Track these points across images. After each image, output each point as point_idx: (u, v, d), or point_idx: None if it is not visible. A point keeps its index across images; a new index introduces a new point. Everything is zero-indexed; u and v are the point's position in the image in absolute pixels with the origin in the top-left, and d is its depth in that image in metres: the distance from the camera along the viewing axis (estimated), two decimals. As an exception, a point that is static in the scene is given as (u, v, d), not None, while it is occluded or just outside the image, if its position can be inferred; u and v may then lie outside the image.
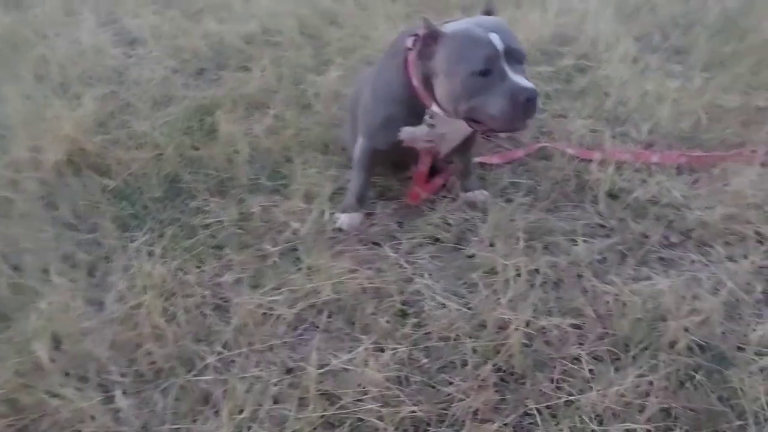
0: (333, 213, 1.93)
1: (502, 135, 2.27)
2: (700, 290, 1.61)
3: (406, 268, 1.75)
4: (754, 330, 1.50)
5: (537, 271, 1.69)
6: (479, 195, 2.00)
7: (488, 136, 2.26)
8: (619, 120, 2.40)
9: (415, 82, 1.70)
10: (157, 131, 2.32)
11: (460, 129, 1.78)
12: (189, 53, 2.93)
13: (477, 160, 2.13)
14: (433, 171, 2.05)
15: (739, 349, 1.47)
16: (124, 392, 1.39)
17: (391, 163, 2.08)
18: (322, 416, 1.32)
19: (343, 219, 1.91)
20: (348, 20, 3.19)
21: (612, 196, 2.00)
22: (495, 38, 1.54)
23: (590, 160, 2.12)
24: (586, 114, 2.41)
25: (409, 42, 1.70)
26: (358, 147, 1.91)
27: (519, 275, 1.65)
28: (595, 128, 2.34)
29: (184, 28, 3.20)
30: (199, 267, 1.76)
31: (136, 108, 2.49)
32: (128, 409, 1.35)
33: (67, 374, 1.43)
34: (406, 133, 1.79)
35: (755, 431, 1.26)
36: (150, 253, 1.78)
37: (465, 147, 1.96)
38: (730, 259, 1.74)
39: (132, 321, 1.55)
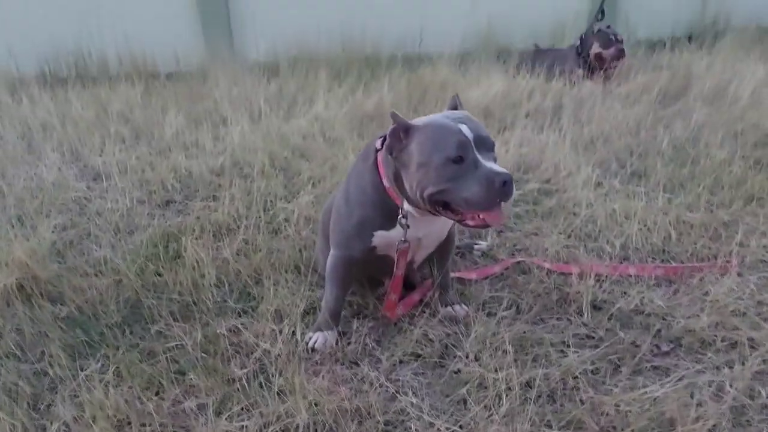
0: (306, 332, 1.81)
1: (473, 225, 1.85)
2: (701, 397, 1.52)
3: (388, 386, 1.61)
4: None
5: (529, 384, 1.57)
6: (459, 309, 1.92)
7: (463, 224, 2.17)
8: (591, 237, 2.40)
9: (386, 182, 1.68)
10: (119, 257, 2.22)
11: (435, 232, 1.75)
12: (156, 185, 2.90)
13: (454, 275, 2.07)
14: (409, 287, 1.98)
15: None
16: None
17: (366, 277, 2.00)
18: None
19: (317, 338, 1.79)
20: (317, 153, 3.25)
21: (595, 307, 1.94)
22: (464, 128, 1.56)
23: (569, 274, 2.09)
24: (557, 231, 2.42)
25: (378, 143, 1.70)
26: (330, 258, 1.83)
27: (510, 388, 1.53)
28: (569, 244, 2.33)
29: (151, 162, 3.20)
30: (158, 394, 1.59)
31: (97, 237, 2.40)
32: None
33: None
34: (380, 237, 1.74)
35: None
36: (102, 381, 1.60)
37: (440, 255, 1.91)
38: (727, 365, 1.66)
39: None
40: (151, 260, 2.20)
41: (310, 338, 1.79)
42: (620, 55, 4.69)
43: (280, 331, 1.81)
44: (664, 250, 2.29)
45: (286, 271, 2.14)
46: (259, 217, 2.53)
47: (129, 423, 1.46)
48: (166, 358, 1.71)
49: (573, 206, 2.66)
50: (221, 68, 4.98)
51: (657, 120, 3.75)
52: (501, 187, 1.50)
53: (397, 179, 1.65)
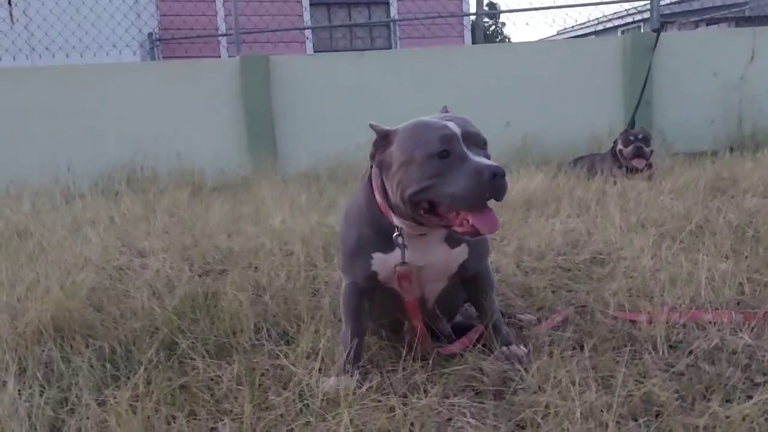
0: (321, 377, 1.60)
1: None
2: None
3: (440, 410, 1.42)
4: None
5: (601, 409, 1.37)
6: (516, 350, 1.74)
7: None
8: (656, 293, 2.22)
9: (378, 197, 1.58)
10: (156, 305, 2.13)
11: (438, 260, 1.63)
12: (197, 258, 2.86)
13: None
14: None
15: None
16: None
17: (386, 322, 1.84)
18: None
19: (330, 383, 1.56)
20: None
21: (671, 347, 1.74)
22: (450, 124, 1.47)
23: (636, 321, 1.91)
24: (616, 288, 2.25)
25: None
26: (342, 291, 1.72)
27: (583, 414, 1.33)
28: (632, 297, 2.16)
29: (194, 242, 3.19)
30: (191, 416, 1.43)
31: (136, 290, 2.33)
32: None
33: None
34: (379, 261, 1.61)
35: None
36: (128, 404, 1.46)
37: (476, 295, 1.77)
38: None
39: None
40: (188, 306, 2.11)
41: (323, 382, 1.56)
42: (638, 153, 4.65)
43: (320, 370, 1.65)
44: (738, 302, 2.10)
45: (326, 323, 2.00)
46: (298, 279, 2.45)
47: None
48: (202, 388, 1.56)
49: (631, 271, 2.50)
50: (265, 178, 5.14)
51: (707, 208, 3.63)
52: (491, 180, 1.37)
53: (384, 189, 1.56)
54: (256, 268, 2.73)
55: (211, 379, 1.63)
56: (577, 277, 2.51)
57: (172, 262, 2.81)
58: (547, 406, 1.39)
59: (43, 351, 1.80)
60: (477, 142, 1.48)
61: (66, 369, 1.70)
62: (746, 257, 2.58)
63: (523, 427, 1.35)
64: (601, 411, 1.37)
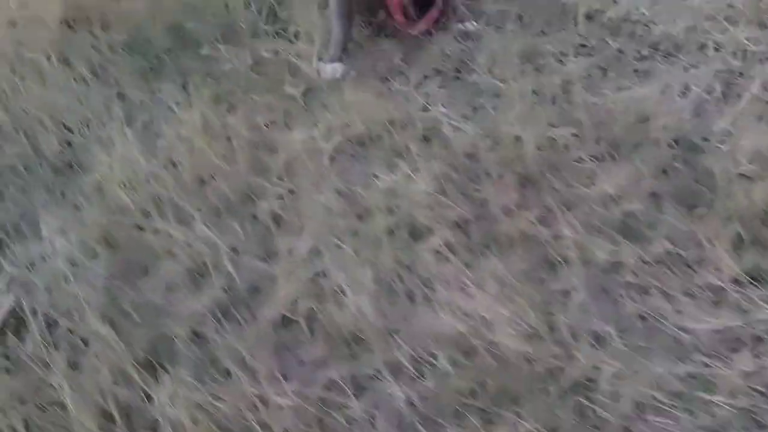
0: (319, 61, 2.06)
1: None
2: (672, 94, 1.91)
3: (418, 98, 1.95)
4: (716, 123, 1.82)
5: (535, 91, 1.93)
6: (469, 25, 2.17)
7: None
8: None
9: None
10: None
11: None
12: None
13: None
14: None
15: (705, 139, 1.79)
16: (204, 224, 1.60)
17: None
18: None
19: (326, 69, 2.04)
20: None
21: (588, 17, 2.21)
22: None
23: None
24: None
25: None
26: None
27: (521, 95, 1.88)
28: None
29: None
30: (229, 111, 1.90)
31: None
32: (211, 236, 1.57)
33: (146, 213, 1.62)
34: None
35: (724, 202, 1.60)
36: (179, 102, 1.90)
37: None
38: (693, 66, 2.02)
39: (190, 164, 1.72)
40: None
41: (321, 68, 2.04)
42: None
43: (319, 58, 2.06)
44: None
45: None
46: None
47: (217, 136, 1.79)
48: (226, 80, 1.98)
49: None
50: None
51: None
52: None
53: None
54: None
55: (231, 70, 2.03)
56: None
57: None
58: (495, 90, 1.94)
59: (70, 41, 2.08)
60: None
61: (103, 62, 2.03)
62: None
63: (478, 109, 1.92)
64: (535, 93, 1.93)
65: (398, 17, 2.06)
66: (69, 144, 1.79)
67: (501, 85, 1.94)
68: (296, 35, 2.11)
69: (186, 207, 1.63)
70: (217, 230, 1.59)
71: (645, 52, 2.08)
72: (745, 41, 2.03)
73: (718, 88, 1.93)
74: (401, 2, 2.04)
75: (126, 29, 2.11)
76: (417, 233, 1.56)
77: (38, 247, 1.54)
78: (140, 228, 1.56)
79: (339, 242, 1.54)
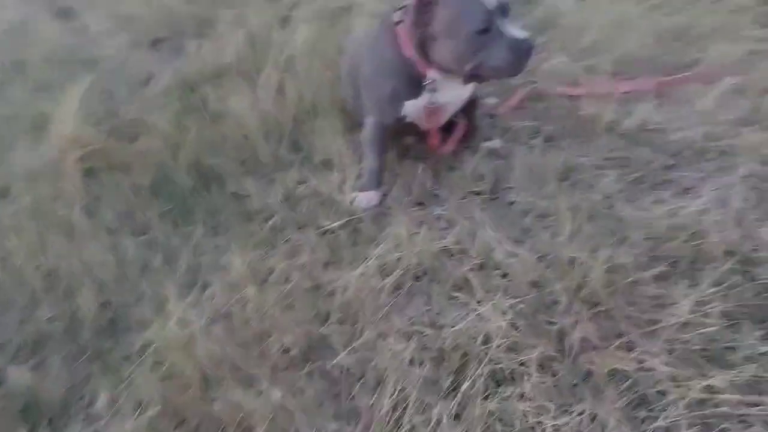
0: (352, 192, 2.02)
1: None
2: (711, 205, 1.92)
3: (459, 220, 1.91)
4: (761, 232, 1.83)
5: (577, 207, 1.91)
6: (495, 143, 2.17)
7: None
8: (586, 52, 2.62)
9: (409, 52, 1.82)
10: (153, 116, 2.22)
11: (459, 97, 1.95)
12: (139, 23, 2.73)
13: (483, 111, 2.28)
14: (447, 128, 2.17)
15: (754, 250, 1.79)
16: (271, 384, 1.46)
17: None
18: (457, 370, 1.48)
19: (361, 198, 2.00)
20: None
21: (607, 129, 2.25)
22: None
23: (579, 96, 2.35)
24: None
25: (397, 15, 1.83)
26: (368, 126, 2.01)
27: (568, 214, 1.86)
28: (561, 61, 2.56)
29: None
30: (268, 253, 1.81)
31: (114, 93, 2.34)
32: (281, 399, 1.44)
33: (205, 379, 1.47)
34: (409, 106, 1.91)
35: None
36: (218, 246, 1.79)
37: (470, 106, 2.11)
38: (721, 171, 2.05)
39: (242, 316, 1.60)
40: (182, 116, 2.23)
41: (355, 198, 2.00)
42: None
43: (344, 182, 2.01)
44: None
45: (322, 115, 2.24)
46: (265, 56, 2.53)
47: (265, 282, 1.69)
48: (259, 218, 1.89)
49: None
50: None
51: None
52: (527, 52, 1.70)
53: (422, 50, 1.79)
54: (204, 34, 2.70)
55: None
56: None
57: (115, 34, 2.68)
58: (537, 210, 1.91)
59: (88, 188, 1.97)
60: (505, 11, 1.71)
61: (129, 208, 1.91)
62: None
63: (526, 230, 1.88)
64: (576, 209, 1.91)
65: (433, 141, 2.04)
66: (108, 303, 1.64)
67: (543, 203, 1.91)
68: (324, 164, 2.05)
69: (250, 368, 1.50)
70: (286, 389, 1.46)
71: (671, 161, 2.12)
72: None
73: (753, 195, 1.96)
74: (435, 131, 2.03)
75: (147, 171, 2.02)
76: (500, 377, 1.47)
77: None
78: (203, 398, 1.41)
79: (420, 395, 1.43)
